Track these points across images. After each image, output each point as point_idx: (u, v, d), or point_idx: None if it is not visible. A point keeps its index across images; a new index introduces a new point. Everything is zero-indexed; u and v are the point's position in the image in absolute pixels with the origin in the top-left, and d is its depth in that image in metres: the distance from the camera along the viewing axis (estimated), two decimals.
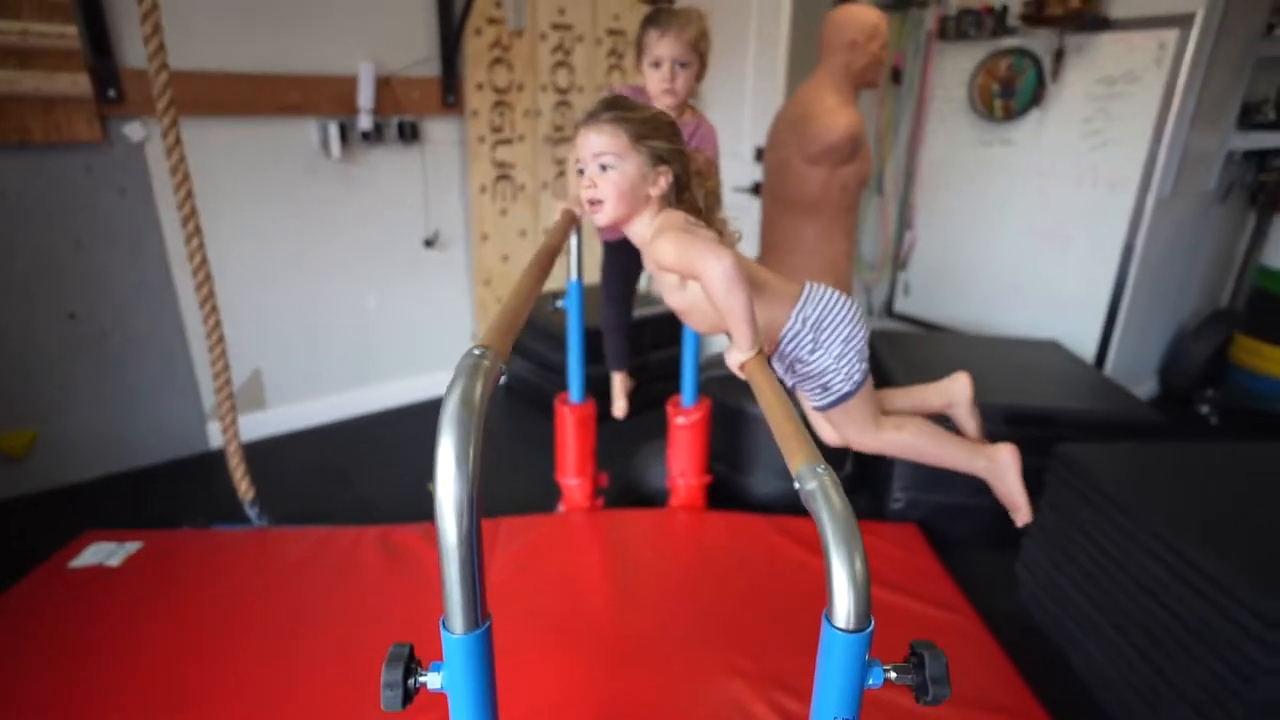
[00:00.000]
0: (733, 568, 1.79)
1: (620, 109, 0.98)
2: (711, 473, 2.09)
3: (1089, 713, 1.52)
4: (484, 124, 2.73)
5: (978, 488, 2.02)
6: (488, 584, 0.60)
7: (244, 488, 1.93)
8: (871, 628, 0.59)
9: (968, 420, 1.28)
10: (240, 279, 2.41)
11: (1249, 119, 2.77)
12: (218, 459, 2.02)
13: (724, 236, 1.04)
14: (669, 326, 2.87)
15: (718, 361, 2.41)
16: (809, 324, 1.06)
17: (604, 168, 0.97)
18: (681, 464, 2.01)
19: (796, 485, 0.68)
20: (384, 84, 2.45)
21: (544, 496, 2.13)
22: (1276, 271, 2.71)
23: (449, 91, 2.61)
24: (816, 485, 0.64)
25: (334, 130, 2.39)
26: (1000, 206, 2.97)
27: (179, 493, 2.27)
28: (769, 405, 0.83)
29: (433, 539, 1.76)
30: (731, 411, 2.17)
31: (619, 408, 1.97)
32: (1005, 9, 2.77)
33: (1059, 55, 2.64)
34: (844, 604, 0.59)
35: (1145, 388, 3.06)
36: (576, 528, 1.94)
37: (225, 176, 2.30)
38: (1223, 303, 3.31)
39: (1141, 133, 2.50)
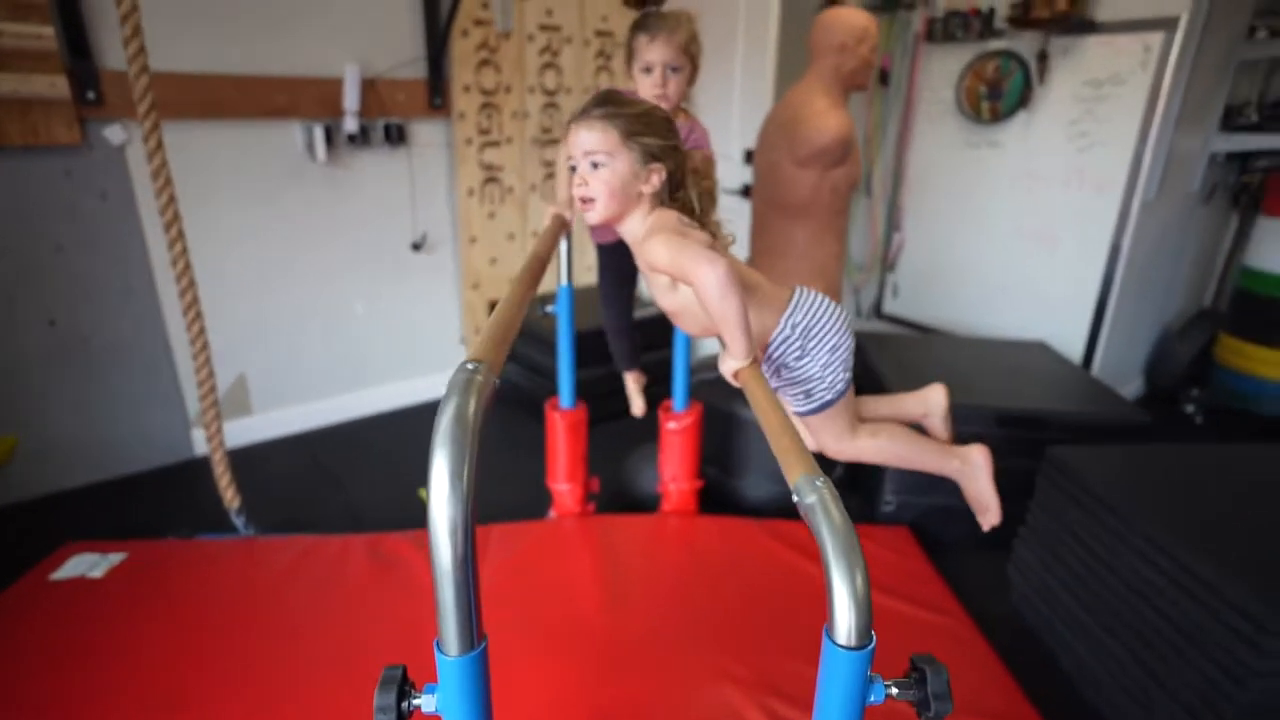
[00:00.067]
0: (725, 573, 1.79)
1: (612, 104, 0.96)
2: (703, 477, 2.08)
3: (1081, 715, 1.53)
4: (471, 126, 2.71)
5: None
6: (478, 592, 0.58)
7: (230, 496, 1.90)
8: (873, 645, 0.59)
9: (941, 429, 1.29)
10: (225, 283, 2.38)
11: (1231, 121, 2.80)
12: (203, 466, 1.99)
13: (717, 239, 1.03)
14: (659, 329, 2.85)
15: (709, 364, 2.41)
16: (798, 330, 1.05)
17: (595, 165, 0.96)
18: (673, 469, 2.00)
19: (795, 498, 0.67)
20: (369, 86, 2.43)
21: (535, 502, 2.11)
22: (1259, 272, 2.74)
23: (436, 93, 2.59)
24: (816, 499, 0.64)
25: (319, 133, 2.36)
26: (988, 208, 2.98)
27: (163, 501, 2.24)
28: (765, 415, 0.82)
29: (423, 547, 1.74)
30: (723, 415, 2.16)
31: (637, 407, 1.94)
32: (992, 11, 2.78)
33: (1045, 58, 2.66)
34: (845, 620, 0.59)
35: (1131, 387, 3.09)
36: (568, 534, 1.92)
37: (209, 180, 2.27)
38: (1206, 303, 3.34)
39: (1127, 135, 2.51)
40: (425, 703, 0.60)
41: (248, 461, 2.39)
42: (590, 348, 2.64)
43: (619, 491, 2.26)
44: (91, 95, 1.98)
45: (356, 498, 2.30)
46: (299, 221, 2.49)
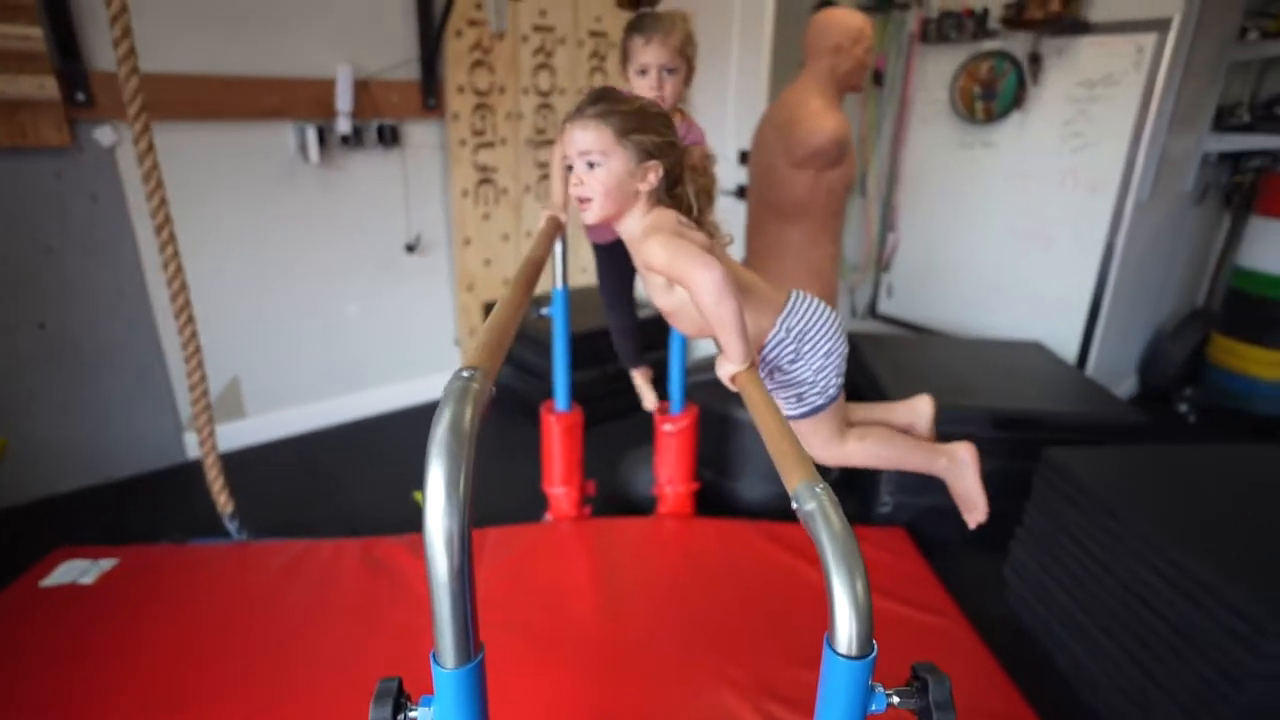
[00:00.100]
0: (722, 576, 1.78)
1: (606, 102, 0.95)
2: (699, 479, 2.08)
3: (1078, 716, 1.53)
4: (465, 127, 2.70)
5: None
6: (476, 603, 0.57)
7: (223, 500, 1.88)
8: (874, 654, 0.58)
9: (926, 436, 1.29)
10: (218, 286, 2.36)
11: (1223, 121, 2.81)
12: (195, 470, 1.97)
13: (715, 239, 1.03)
14: (654, 330, 2.85)
15: (704, 366, 2.40)
16: (793, 334, 1.05)
17: (591, 165, 0.95)
18: (669, 471, 2.00)
19: (794, 505, 0.66)
20: (362, 87, 2.41)
21: (530, 505, 2.10)
22: (1251, 272, 2.75)
23: (429, 94, 2.57)
24: (815, 506, 0.63)
25: (312, 134, 2.34)
26: (982, 208, 2.99)
27: (156, 506, 2.22)
28: (763, 421, 0.82)
29: (418, 551, 1.73)
30: (718, 417, 2.16)
31: (649, 401, 1.91)
32: (986, 12, 2.78)
33: (1038, 58, 2.66)
34: (845, 629, 0.58)
35: (1125, 387, 3.10)
36: (564, 537, 1.91)
37: (201, 182, 2.25)
38: (1199, 302, 3.36)
39: (1121, 135, 2.52)
40: (421, 715, 0.59)
41: (241, 465, 2.37)
42: (585, 350, 2.64)
43: (615, 494, 2.25)
44: (81, 96, 1.96)
45: (351, 501, 2.28)
46: (292, 223, 2.47)
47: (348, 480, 2.40)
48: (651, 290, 1.06)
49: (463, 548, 0.54)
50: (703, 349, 3.09)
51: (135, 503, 2.25)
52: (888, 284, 3.42)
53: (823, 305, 1.07)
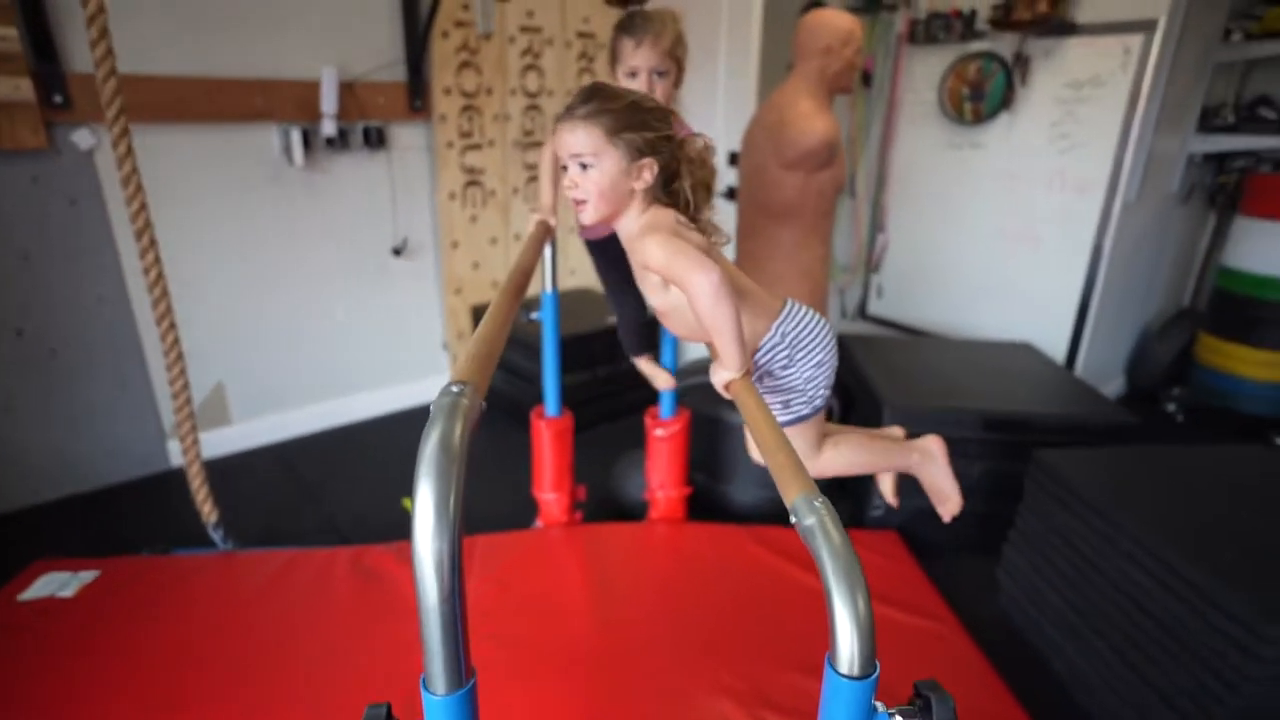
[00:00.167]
0: (715, 582, 1.77)
1: (597, 100, 0.92)
2: (690, 483, 2.06)
3: (1072, 719, 1.53)
4: (452, 129, 2.67)
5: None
6: (467, 627, 0.55)
7: (207, 510, 1.85)
8: (876, 674, 0.57)
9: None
10: (202, 291, 2.32)
11: (1208, 122, 2.83)
12: (179, 478, 1.93)
13: (712, 239, 1.01)
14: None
15: (695, 369, 2.39)
16: (788, 339, 1.05)
17: (584, 166, 0.93)
18: (661, 476, 1.98)
19: (793, 519, 0.65)
20: (348, 88, 2.38)
21: (521, 510, 2.08)
22: (1236, 271, 2.77)
23: (416, 96, 2.55)
24: (815, 521, 0.62)
25: (296, 136, 2.31)
26: (971, 209, 2.99)
27: (138, 516, 2.18)
28: (759, 430, 0.80)
29: (408, 559, 1.71)
30: (709, 420, 2.14)
31: (661, 381, 1.85)
32: (974, 13, 2.79)
33: (1026, 59, 2.67)
34: (847, 648, 0.57)
35: (1113, 386, 3.11)
36: (555, 544, 1.89)
37: (183, 185, 2.21)
38: (1185, 302, 3.38)
39: (1108, 136, 2.53)
40: None
41: (226, 473, 2.33)
42: (575, 353, 2.62)
43: (606, 498, 2.23)
44: (59, 99, 1.92)
45: (339, 508, 2.25)
46: (277, 227, 2.44)
47: (336, 487, 2.37)
48: (646, 289, 1.04)
49: (453, 570, 0.52)
50: (694, 352, 3.08)
51: (117, 512, 2.20)
52: (877, 285, 3.43)
53: (818, 316, 1.07)
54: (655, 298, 1.04)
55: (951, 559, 2.01)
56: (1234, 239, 2.82)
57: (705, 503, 2.18)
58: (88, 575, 1.70)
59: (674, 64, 1.43)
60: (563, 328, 1.86)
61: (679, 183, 0.97)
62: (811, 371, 1.07)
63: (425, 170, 2.70)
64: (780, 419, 1.10)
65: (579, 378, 2.70)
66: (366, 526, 2.13)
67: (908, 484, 2.01)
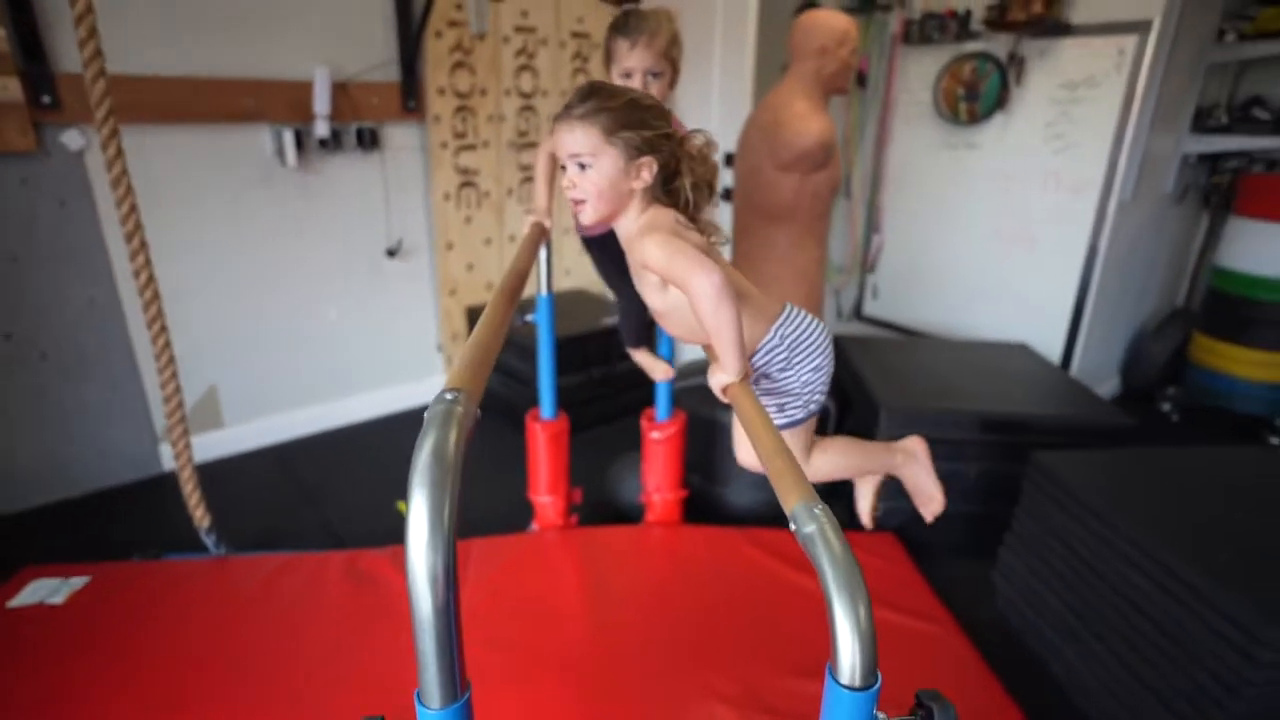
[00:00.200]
0: (711, 584, 1.76)
1: (595, 99, 0.91)
2: (686, 485, 2.05)
3: None
4: (446, 130, 2.65)
5: (955, 494, 2.02)
6: (462, 639, 0.54)
7: (199, 514, 1.83)
8: (878, 684, 0.56)
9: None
10: (194, 293, 2.31)
11: (1202, 123, 2.84)
12: (171, 482, 1.91)
13: (711, 239, 1.00)
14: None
15: (690, 371, 2.38)
16: (786, 342, 1.05)
17: (582, 167, 0.92)
18: (657, 479, 1.97)
19: (792, 527, 0.64)
20: (341, 89, 2.37)
21: (516, 512, 2.07)
22: (1230, 271, 2.77)
23: (409, 96, 2.53)
24: (815, 529, 0.61)
25: (289, 137, 2.29)
26: (966, 209, 2.99)
27: (130, 521, 2.16)
28: (758, 436, 0.80)
29: (403, 564, 1.69)
30: (705, 422, 2.13)
31: (659, 372, 1.82)
32: (969, 13, 2.79)
33: (1020, 60, 2.67)
34: (848, 658, 0.56)
35: (1108, 386, 3.12)
36: (550, 547, 1.88)
37: (175, 186, 2.20)
38: (1179, 302, 3.39)
39: (1103, 136, 2.53)
40: None
41: (219, 476, 2.31)
42: (570, 354, 2.61)
43: (602, 501, 2.22)
44: (47, 99, 1.90)
45: (333, 511, 2.23)
46: (270, 228, 2.42)
47: (330, 490, 2.36)
48: (645, 289, 1.03)
49: (448, 583, 0.51)
50: (689, 354, 3.06)
51: (108, 517, 2.18)
52: (873, 286, 3.42)
53: (816, 321, 1.06)
54: (654, 298, 1.03)
55: (948, 561, 2.01)
56: (1227, 239, 2.83)
57: (701, 505, 2.17)
58: (78, 581, 1.68)
59: (669, 65, 1.42)
60: (558, 329, 1.85)
61: (679, 181, 0.96)
62: (809, 375, 1.07)
63: (419, 171, 2.69)
64: (775, 422, 1.09)
65: (574, 379, 2.69)
66: (361, 530, 2.11)
67: (901, 485, 2.01)
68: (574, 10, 2.85)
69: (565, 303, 2.96)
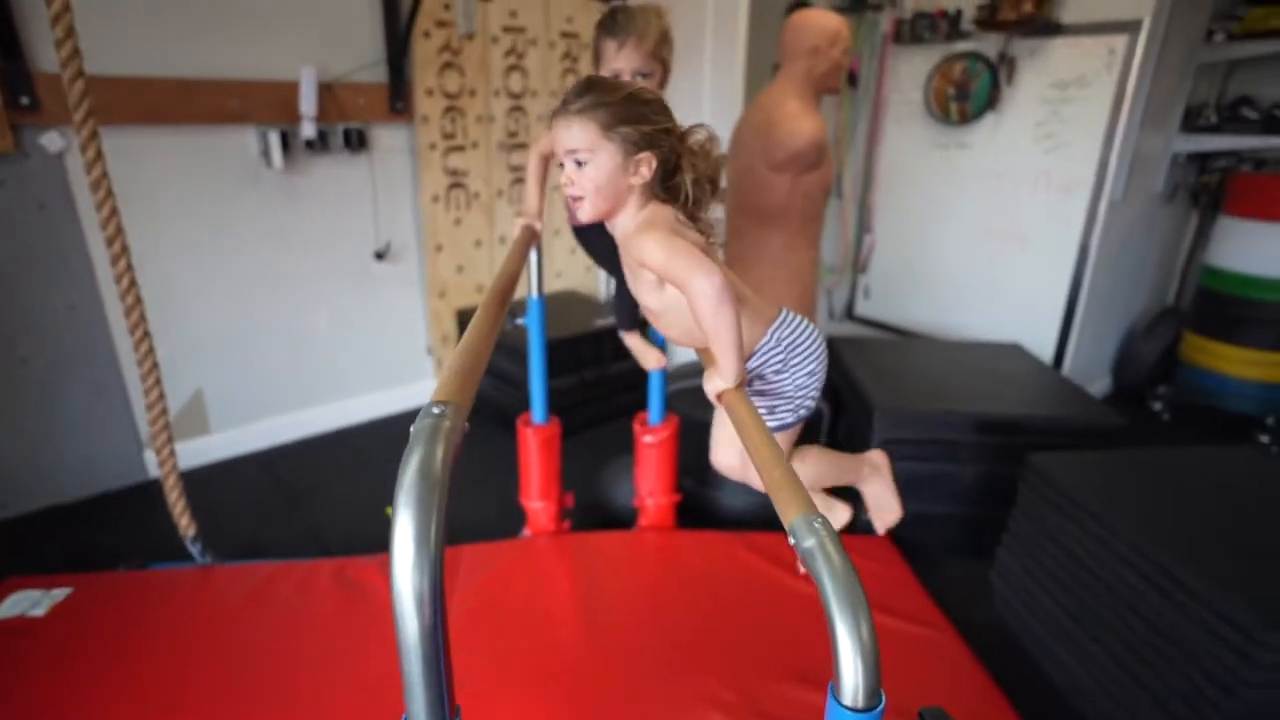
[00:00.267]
0: (705, 591, 1.74)
1: (592, 94, 0.89)
2: (679, 488, 2.04)
3: None
4: (435, 131, 2.63)
5: (949, 496, 2.02)
6: (450, 620, 0.52)
7: (184, 522, 1.80)
8: (882, 705, 0.54)
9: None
10: (180, 296, 2.27)
11: (1191, 122, 2.85)
12: (158, 488, 1.88)
13: (709, 240, 0.98)
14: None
15: (683, 373, 2.37)
16: (783, 344, 1.04)
17: (579, 163, 0.91)
18: (650, 483, 1.95)
19: (791, 541, 0.63)
20: (327, 90, 2.33)
21: (507, 518, 2.05)
22: (1220, 270, 2.78)
23: (397, 97, 2.50)
24: (815, 542, 0.60)
25: (275, 139, 2.26)
26: (958, 209, 2.99)
27: (114, 529, 2.12)
28: (754, 446, 0.78)
29: None
30: (698, 425, 2.11)
31: (651, 360, 1.79)
32: (959, 13, 2.78)
33: (1011, 60, 2.67)
34: (851, 678, 0.54)
35: (1099, 386, 3.12)
36: (542, 553, 1.86)
37: (159, 189, 2.16)
38: (1169, 301, 3.40)
39: (1093, 136, 2.53)
40: None
41: (205, 483, 2.28)
42: (562, 356, 2.59)
43: (594, 505, 2.20)
44: (25, 100, 1.86)
45: (322, 518, 2.20)
46: (256, 230, 2.38)
47: (318, 496, 2.32)
48: (640, 287, 1.01)
49: (435, 604, 0.49)
50: (683, 355, 3.05)
51: (93, 526, 2.14)
52: (865, 286, 3.42)
53: (812, 326, 1.06)
54: (649, 297, 1.01)
55: (943, 562, 2.00)
56: (1217, 238, 2.84)
57: (694, 508, 2.15)
58: (60, 593, 1.65)
59: (659, 65, 1.40)
60: (549, 331, 1.83)
61: (680, 177, 0.94)
62: (803, 379, 1.07)
63: (407, 173, 2.66)
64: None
65: (566, 381, 2.67)
66: (351, 537, 2.09)
67: (901, 486, 2.00)
68: (563, 10, 2.83)
69: (556, 304, 2.94)
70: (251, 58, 2.21)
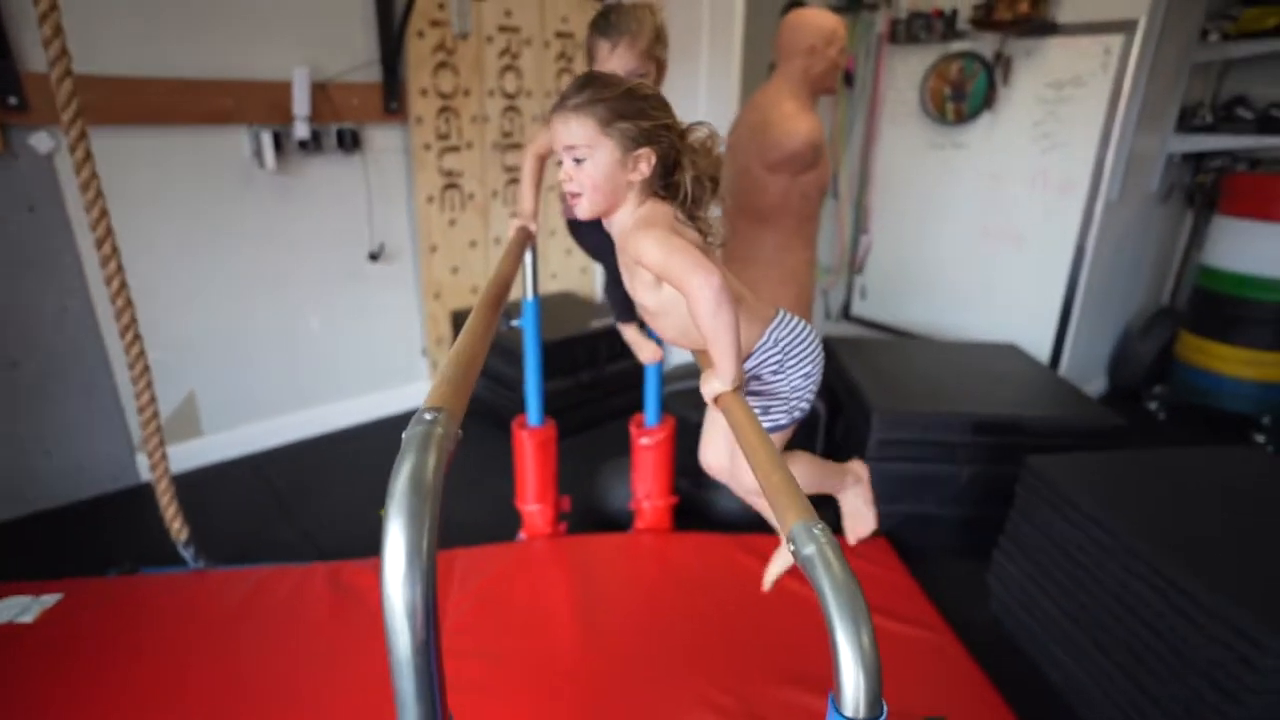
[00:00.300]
0: (703, 594, 1.73)
1: (591, 89, 0.88)
2: (676, 491, 2.03)
3: None
4: (429, 131, 2.61)
5: (947, 497, 2.01)
6: (445, 626, 0.51)
7: (176, 526, 1.78)
8: (884, 716, 0.53)
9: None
10: (172, 299, 2.25)
11: (1186, 122, 2.85)
12: (149, 492, 1.85)
13: (707, 240, 0.96)
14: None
15: (680, 374, 2.36)
16: (780, 345, 1.03)
17: (578, 160, 0.89)
18: (647, 486, 1.94)
19: (790, 548, 0.62)
20: (321, 90, 2.32)
21: (504, 520, 2.03)
22: (1216, 270, 2.78)
23: (391, 97, 2.48)
24: (815, 550, 0.59)
25: (267, 139, 2.24)
26: (954, 209, 2.99)
27: (105, 534, 2.10)
28: (752, 450, 0.77)
29: None
30: (694, 427, 2.10)
31: (646, 354, 1.78)
32: (955, 13, 2.78)
33: (1007, 59, 2.66)
34: (852, 689, 0.53)
35: (1095, 385, 3.12)
36: (538, 557, 1.85)
37: (151, 190, 2.14)
38: (1165, 301, 3.40)
39: (1090, 136, 2.53)
40: None
41: (198, 486, 2.26)
42: (557, 358, 2.58)
43: (590, 508, 2.18)
44: (14, 100, 1.84)
45: (316, 521, 2.19)
46: (249, 232, 2.36)
47: (312, 499, 2.31)
48: (636, 286, 1.00)
49: (427, 619, 0.47)
50: (677, 356, 3.04)
51: (82, 530, 2.12)
52: (861, 286, 3.41)
53: (810, 328, 1.05)
54: (646, 296, 1.00)
55: (941, 563, 1.99)
56: (1212, 238, 2.84)
57: (691, 510, 2.14)
58: (50, 599, 1.63)
59: (653, 64, 1.38)
60: (544, 332, 1.82)
61: (680, 174, 0.93)
62: (799, 381, 1.06)
63: (402, 173, 2.64)
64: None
65: (562, 383, 2.65)
66: (345, 539, 2.07)
67: (896, 489, 2.00)
68: (558, 10, 2.82)
69: (552, 306, 2.93)
70: (244, 57, 2.19)
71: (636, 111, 0.88)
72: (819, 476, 1.27)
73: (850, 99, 3.25)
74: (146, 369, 1.65)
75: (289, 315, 2.53)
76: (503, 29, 2.69)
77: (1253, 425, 2.76)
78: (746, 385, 1.06)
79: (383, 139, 2.55)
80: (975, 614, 1.81)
